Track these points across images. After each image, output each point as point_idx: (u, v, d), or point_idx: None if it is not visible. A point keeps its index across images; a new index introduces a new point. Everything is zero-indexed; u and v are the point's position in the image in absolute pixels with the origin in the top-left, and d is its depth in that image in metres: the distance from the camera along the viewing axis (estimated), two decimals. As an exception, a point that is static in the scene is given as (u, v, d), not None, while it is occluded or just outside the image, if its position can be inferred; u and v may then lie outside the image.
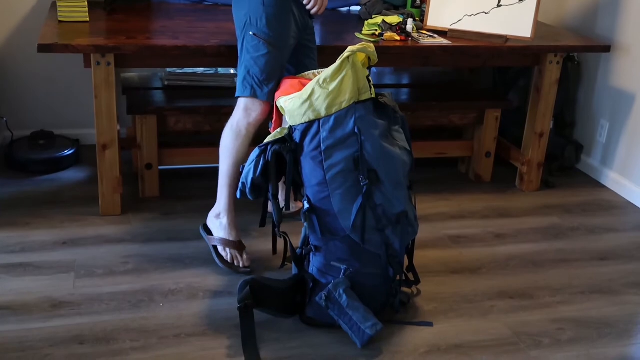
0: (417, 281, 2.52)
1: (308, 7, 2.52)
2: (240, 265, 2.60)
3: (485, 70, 3.90)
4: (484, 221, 3.14)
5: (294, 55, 2.60)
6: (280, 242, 2.40)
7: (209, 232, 2.67)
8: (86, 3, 2.92)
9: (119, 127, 2.90)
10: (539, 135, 3.39)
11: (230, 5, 3.47)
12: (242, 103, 2.52)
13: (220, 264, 2.61)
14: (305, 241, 2.34)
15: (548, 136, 3.42)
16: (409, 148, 2.34)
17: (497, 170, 3.57)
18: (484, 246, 2.92)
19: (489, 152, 3.51)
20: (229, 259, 2.60)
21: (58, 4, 2.90)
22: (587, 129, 3.79)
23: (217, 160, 2.94)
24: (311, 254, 2.32)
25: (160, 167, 3.12)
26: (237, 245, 2.62)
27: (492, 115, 3.45)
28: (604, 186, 3.63)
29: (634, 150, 3.46)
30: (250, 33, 2.45)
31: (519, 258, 2.84)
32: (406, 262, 2.46)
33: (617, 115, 3.56)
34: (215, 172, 2.82)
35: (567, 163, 3.76)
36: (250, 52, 2.47)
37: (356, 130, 2.17)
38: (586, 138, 3.80)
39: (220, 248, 2.62)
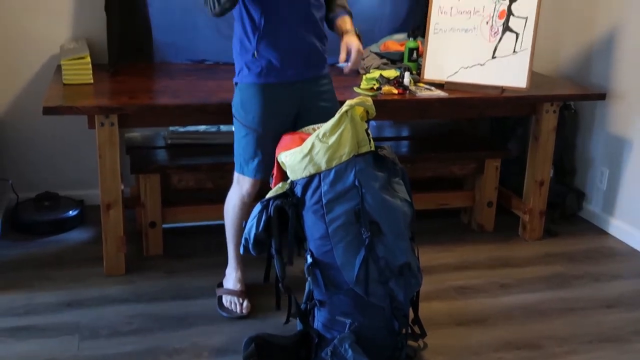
0: (423, 334, 2.50)
1: (340, 60, 2.54)
2: (238, 311, 2.67)
3: (483, 121, 3.94)
4: (488, 271, 3.13)
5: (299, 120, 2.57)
6: (284, 298, 2.39)
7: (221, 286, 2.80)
8: (90, 65, 2.99)
9: (122, 187, 2.93)
10: (539, 184, 3.41)
11: (231, 64, 3.58)
12: (235, 175, 2.65)
13: (219, 310, 2.69)
14: (310, 296, 2.34)
15: (548, 184, 3.44)
16: (409, 199, 2.36)
17: (499, 219, 3.58)
18: (488, 296, 2.91)
19: (491, 202, 3.52)
20: (227, 304, 2.70)
21: (63, 66, 2.96)
22: (587, 176, 3.81)
23: (220, 217, 2.97)
24: (315, 309, 2.32)
25: (164, 226, 3.13)
26: (238, 294, 2.71)
27: (492, 165, 3.48)
28: (607, 233, 3.63)
29: (635, 197, 3.47)
30: (233, 113, 2.56)
31: (524, 308, 2.82)
32: (411, 314, 2.45)
33: (616, 161, 3.58)
34: (218, 229, 2.84)
35: (569, 211, 3.77)
36: (235, 132, 2.59)
37: (357, 183, 2.19)
38: (587, 185, 3.82)
39: (223, 297, 2.73)
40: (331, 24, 2.62)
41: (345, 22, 2.58)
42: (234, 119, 2.57)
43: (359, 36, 2.57)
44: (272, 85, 2.47)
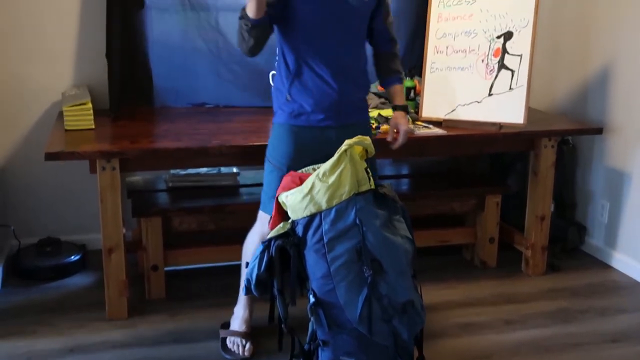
0: (428, 372, 2.48)
1: (388, 139, 2.71)
2: (241, 353, 2.66)
3: (482, 157, 3.97)
4: (492, 308, 3.12)
5: None
6: (288, 338, 2.38)
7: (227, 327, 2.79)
8: (91, 111, 3.02)
9: (124, 230, 2.94)
10: (540, 219, 3.42)
11: (232, 107, 3.63)
12: (259, 214, 2.67)
13: (222, 353, 2.68)
14: (313, 336, 2.32)
15: (550, 219, 3.44)
16: (410, 236, 2.36)
17: (501, 255, 3.57)
18: (493, 333, 2.89)
19: (492, 238, 3.52)
20: (230, 345, 2.70)
21: (64, 113, 3.00)
22: (588, 209, 3.82)
23: (222, 259, 2.96)
24: (319, 349, 2.29)
25: (166, 268, 3.13)
26: (242, 335, 2.70)
27: (492, 201, 3.49)
28: (610, 267, 3.61)
29: (637, 229, 3.47)
30: (266, 151, 2.62)
31: (529, 344, 2.80)
32: (416, 353, 2.43)
33: (616, 195, 3.59)
34: (221, 270, 2.84)
35: (571, 245, 3.76)
36: (265, 170, 2.62)
37: (357, 222, 2.20)
38: (588, 219, 3.82)
39: (227, 339, 2.72)
40: (382, 84, 2.75)
41: (397, 95, 2.73)
42: (265, 157, 2.62)
43: (406, 108, 2.76)
44: (302, 127, 2.52)
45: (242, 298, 2.76)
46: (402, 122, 2.71)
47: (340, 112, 2.54)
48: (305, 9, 2.44)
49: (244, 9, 2.35)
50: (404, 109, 2.74)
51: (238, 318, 2.75)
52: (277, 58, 2.56)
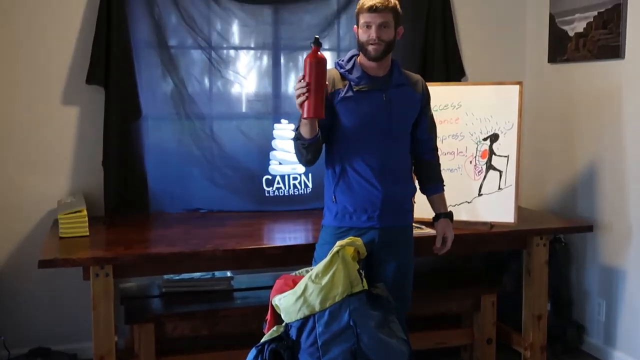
0: None
1: (437, 246, 2.83)
2: None
3: (477, 256, 3.97)
4: (493, 411, 3.04)
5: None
6: None
7: None
8: (86, 219, 3.05)
9: (116, 338, 2.90)
10: (537, 318, 3.38)
11: (226, 211, 3.66)
12: None
13: None
14: None
15: (547, 318, 3.41)
16: (406, 338, 2.34)
17: (500, 356, 3.51)
18: None
19: (490, 339, 3.48)
20: None
21: (59, 220, 3.02)
22: (586, 308, 3.79)
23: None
24: None
25: (158, 377, 3.06)
26: None
27: (488, 301, 3.46)
28: (611, 366, 3.56)
29: (635, 327, 3.44)
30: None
31: None
32: None
33: (612, 292, 3.58)
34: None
35: (571, 344, 3.71)
36: None
37: (351, 323, 2.19)
38: (586, 317, 3.78)
39: None
40: (424, 192, 2.85)
41: (442, 203, 2.85)
42: (313, 258, 2.66)
43: (452, 215, 2.85)
44: (346, 230, 2.58)
45: None
46: (449, 228, 2.81)
47: (384, 214, 2.60)
48: (351, 119, 2.56)
49: (298, 131, 2.49)
50: (450, 216, 2.83)
51: None
52: (325, 161, 2.68)
